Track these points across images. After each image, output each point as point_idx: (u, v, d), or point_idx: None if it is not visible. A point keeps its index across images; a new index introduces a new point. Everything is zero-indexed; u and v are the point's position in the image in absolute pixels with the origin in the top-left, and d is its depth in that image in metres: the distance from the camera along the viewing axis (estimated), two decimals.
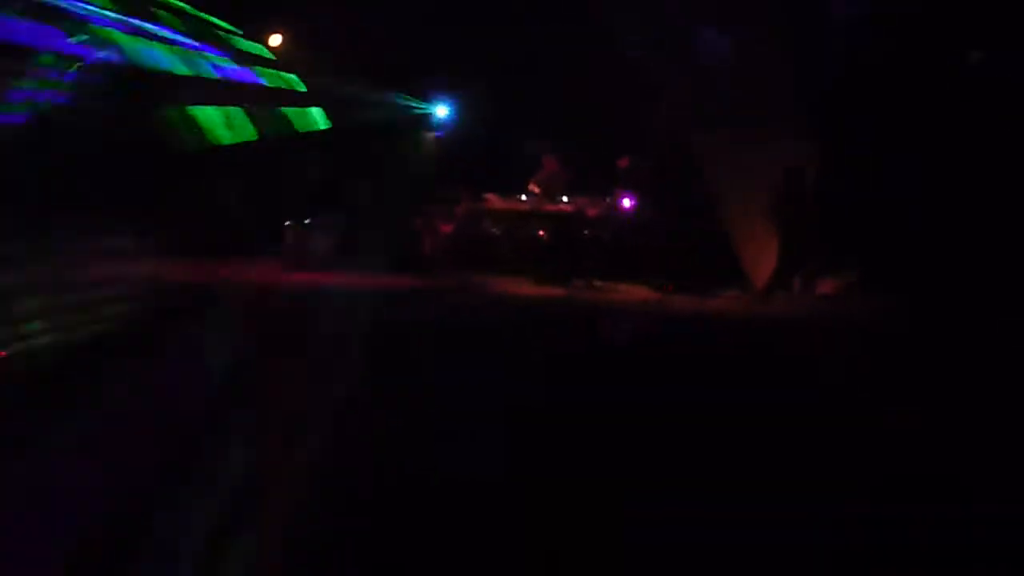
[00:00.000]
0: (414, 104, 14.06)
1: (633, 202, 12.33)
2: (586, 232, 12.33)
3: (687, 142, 11.83)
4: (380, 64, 13.13)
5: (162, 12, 9.77)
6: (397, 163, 12.57)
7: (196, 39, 10.26)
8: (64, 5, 7.71)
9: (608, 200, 12.46)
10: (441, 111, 14.59)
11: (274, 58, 11.82)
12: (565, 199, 12.55)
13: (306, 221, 12.19)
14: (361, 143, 12.77)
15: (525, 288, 11.53)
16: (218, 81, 10.86)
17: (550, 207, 12.58)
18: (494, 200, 12.91)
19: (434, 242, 12.62)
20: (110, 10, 8.59)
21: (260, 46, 11.30)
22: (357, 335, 6.91)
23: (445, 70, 13.75)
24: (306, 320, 7.82)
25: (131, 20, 9.07)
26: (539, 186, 12.75)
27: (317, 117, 12.34)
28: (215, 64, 10.70)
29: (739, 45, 11.40)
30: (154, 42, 9.33)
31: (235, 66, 11.04)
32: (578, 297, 11.02)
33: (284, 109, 12.07)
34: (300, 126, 12.12)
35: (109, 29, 8.46)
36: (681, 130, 11.77)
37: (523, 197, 12.82)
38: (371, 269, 11.45)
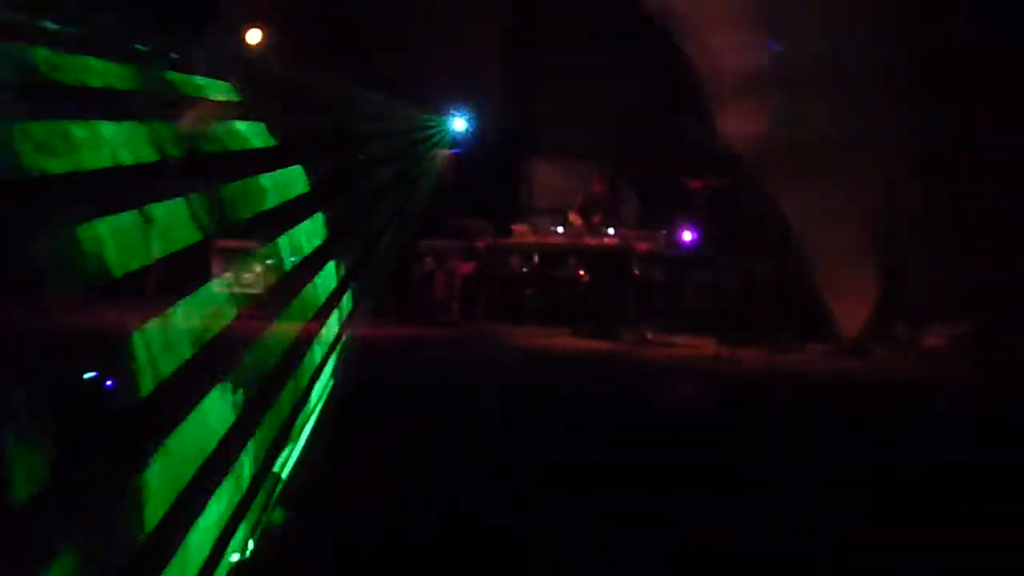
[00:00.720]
0: (425, 116, 14.06)
1: (695, 235, 12.36)
2: (637, 272, 12.30)
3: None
4: (381, 65, 13.35)
5: None
6: (403, 187, 12.29)
7: None
8: None
9: (663, 232, 12.46)
10: (459, 124, 14.49)
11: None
12: (611, 231, 12.50)
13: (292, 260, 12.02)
14: (357, 163, 12.55)
15: (562, 341, 11.58)
16: None
17: (592, 241, 12.55)
18: (524, 233, 12.91)
19: (450, 285, 12.68)
20: None
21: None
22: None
23: (465, 71, 13.93)
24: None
25: None
26: (581, 215, 12.73)
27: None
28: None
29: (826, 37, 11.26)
30: None
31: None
32: (627, 353, 10.99)
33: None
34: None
35: None
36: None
37: (560, 229, 12.80)
38: (371, 317, 11.28)
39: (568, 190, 13.24)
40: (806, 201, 11.31)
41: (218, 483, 3.91)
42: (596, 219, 12.52)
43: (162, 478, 3.49)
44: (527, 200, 14.48)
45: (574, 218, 12.86)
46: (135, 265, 3.83)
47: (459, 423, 7.00)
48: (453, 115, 14.35)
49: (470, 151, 14.20)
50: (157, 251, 4.14)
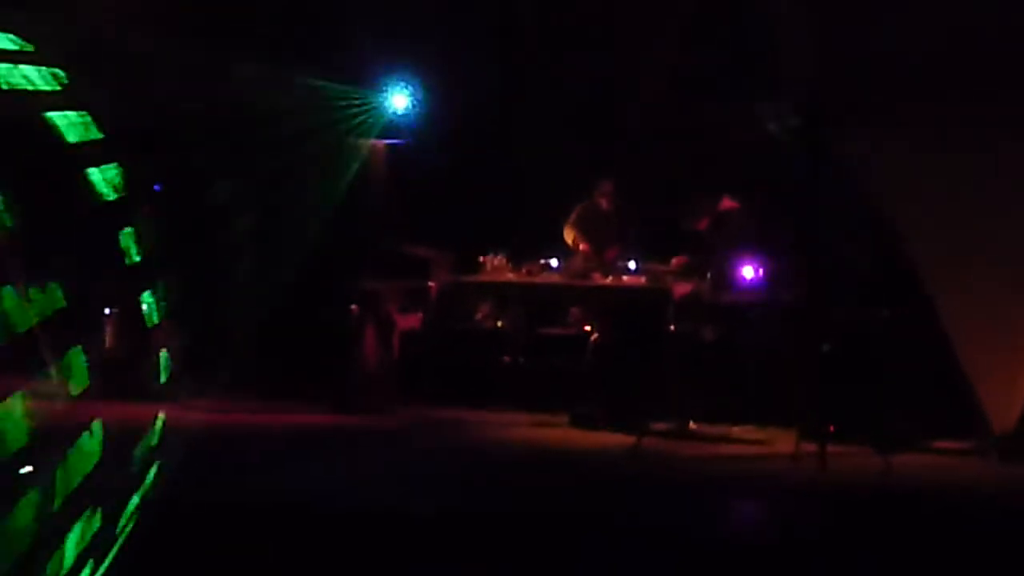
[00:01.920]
0: (343, 89, 13.73)
1: (760, 272, 12.22)
2: (672, 327, 11.98)
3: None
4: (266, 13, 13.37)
5: None
6: (308, 198, 12.66)
7: None
8: None
9: (714, 268, 12.27)
10: (399, 101, 14.08)
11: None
12: (633, 265, 12.39)
13: (143, 305, 12.10)
14: (233, 159, 12.73)
15: (557, 435, 11.63)
16: None
17: (605, 280, 12.53)
18: (498, 267, 12.88)
19: (383, 347, 12.58)
20: None
21: None
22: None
23: (406, 27, 13.64)
24: None
25: None
26: (587, 239, 12.69)
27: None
28: None
29: None
30: None
31: None
32: (659, 454, 10.88)
33: None
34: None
35: None
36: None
37: (553, 262, 12.78)
38: (260, 396, 12.18)
39: (565, 203, 13.24)
40: (948, 243, 11.30)
41: None
42: (611, 252, 12.62)
43: None
44: (505, 217, 14.07)
45: (576, 241, 12.75)
46: None
47: None
48: (389, 89, 14.03)
49: (416, 143, 14.04)
50: None
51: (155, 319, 11.83)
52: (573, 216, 12.79)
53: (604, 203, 12.82)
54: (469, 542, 7.73)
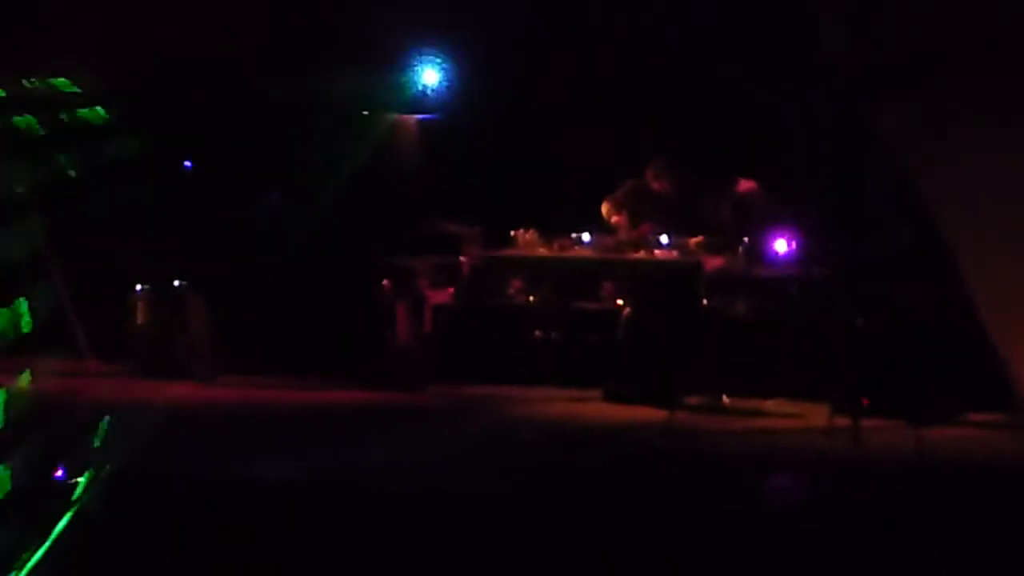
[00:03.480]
0: (373, 68, 13.73)
1: (793, 246, 12.23)
2: (705, 302, 12.08)
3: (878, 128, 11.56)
4: None
5: None
6: (337, 175, 12.55)
7: None
8: None
9: (745, 243, 12.29)
10: (430, 76, 14.00)
11: None
12: (665, 239, 12.39)
13: (175, 284, 12.38)
14: (263, 137, 12.76)
15: (587, 409, 11.58)
16: None
17: (638, 255, 12.50)
18: (532, 242, 12.85)
19: (415, 323, 12.56)
20: None
21: None
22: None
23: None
24: None
25: None
26: (623, 212, 12.74)
27: None
28: None
29: None
30: None
31: None
32: (692, 428, 10.89)
33: None
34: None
35: None
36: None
37: (585, 237, 12.73)
38: (292, 374, 12.25)
39: (606, 181, 13.15)
40: (982, 217, 10.96)
41: None
42: (646, 226, 12.61)
43: None
44: (539, 193, 14.12)
45: (611, 214, 12.74)
46: None
47: None
48: (419, 64, 14.01)
49: (448, 119, 14.01)
50: None
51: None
52: (619, 192, 12.73)
53: (656, 183, 12.74)
54: (504, 521, 7.73)
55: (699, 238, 12.41)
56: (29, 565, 6.44)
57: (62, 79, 13.36)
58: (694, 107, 13.11)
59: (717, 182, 12.71)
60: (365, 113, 13.64)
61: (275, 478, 8.42)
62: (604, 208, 12.75)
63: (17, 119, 12.62)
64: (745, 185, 12.37)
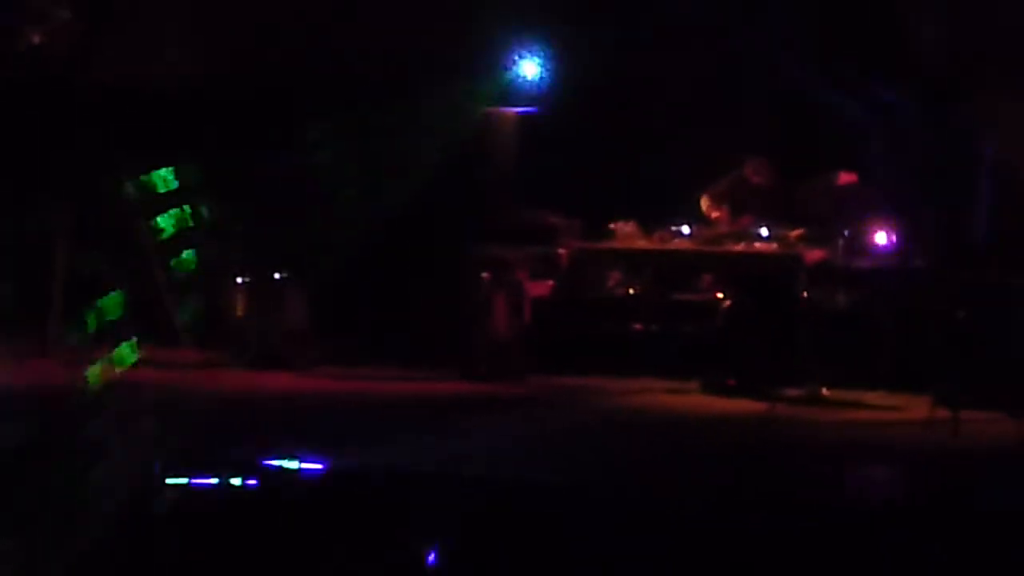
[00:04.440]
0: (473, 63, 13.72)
1: (893, 238, 12.15)
2: (805, 294, 12.05)
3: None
4: None
5: None
6: (432, 167, 12.54)
7: None
8: None
9: (845, 235, 12.34)
10: (529, 69, 13.97)
11: None
12: (765, 232, 12.39)
13: (275, 275, 12.44)
14: (364, 129, 12.91)
15: (686, 401, 11.61)
16: None
17: (736, 247, 12.49)
18: (630, 235, 12.77)
19: (514, 315, 12.57)
20: None
21: None
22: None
23: None
24: None
25: None
26: (723, 206, 12.74)
27: None
28: None
29: None
30: None
31: None
32: (792, 420, 10.91)
33: None
34: None
35: None
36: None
37: (685, 229, 12.70)
38: (391, 365, 12.22)
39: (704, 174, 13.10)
40: None
41: None
42: (746, 219, 12.60)
43: None
44: (639, 185, 13.93)
45: (711, 208, 12.68)
46: None
47: None
48: (519, 58, 13.97)
49: (547, 112, 13.93)
50: None
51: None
52: (719, 186, 12.69)
53: (756, 176, 12.67)
54: (604, 510, 7.70)
55: (800, 231, 12.30)
56: None
57: None
58: (789, 100, 13.12)
59: (817, 175, 12.66)
60: (464, 106, 13.53)
61: (358, 466, 8.43)
62: (704, 202, 12.71)
63: None
64: (845, 178, 12.32)
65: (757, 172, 12.66)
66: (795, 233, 12.32)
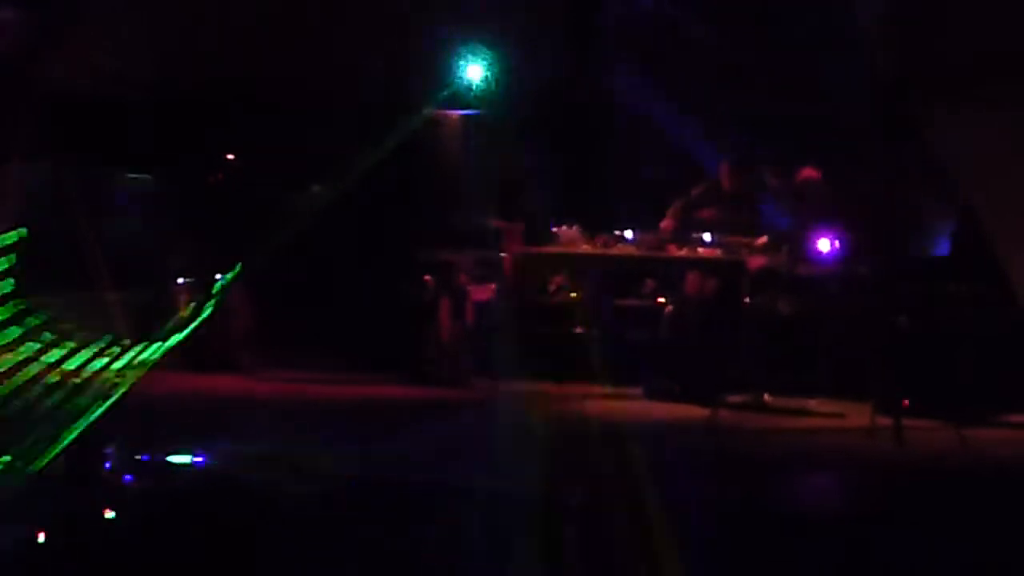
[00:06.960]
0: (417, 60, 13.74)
1: (836, 245, 12.12)
2: (747, 300, 11.95)
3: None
4: None
5: None
6: (378, 172, 12.53)
7: None
8: None
9: (790, 242, 12.29)
10: (474, 72, 14.00)
11: None
12: (708, 237, 12.32)
13: (217, 278, 12.26)
14: (308, 133, 13.02)
15: (629, 407, 11.63)
16: None
17: (679, 252, 12.37)
18: (573, 239, 12.67)
19: (457, 318, 12.62)
20: None
21: None
22: None
23: None
24: None
25: None
26: (679, 214, 12.65)
27: None
28: None
29: None
30: None
31: None
32: (733, 426, 10.89)
33: None
34: None
35: None
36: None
37: (628, 234, 12.63)
38: (334, 368, 12.37)
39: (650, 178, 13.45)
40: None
41: None
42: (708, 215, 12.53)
43: None
44: (579, 190, 14.14)
45: (676, 214, 12.63)
46: None
47: None
48: (464, 59, 14.02)
49: (491, 114, 13.96)
50: None
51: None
52: (680, 204, 12.62)
53: (727, 181, 12.67)
54: (549, 518, 7.63)
55: (763, 238, 12.35)
56: None
57: None
58: (744, 104, 13.26)
59: (779, 171, 12.70)
60: (408, 109, 13.50)
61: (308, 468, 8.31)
62: (674, 208, 12.64)
63: None
64: (806, 173, 12.36)
65: (729, 176, 12.69)
66: (760, 241, 12.29)
